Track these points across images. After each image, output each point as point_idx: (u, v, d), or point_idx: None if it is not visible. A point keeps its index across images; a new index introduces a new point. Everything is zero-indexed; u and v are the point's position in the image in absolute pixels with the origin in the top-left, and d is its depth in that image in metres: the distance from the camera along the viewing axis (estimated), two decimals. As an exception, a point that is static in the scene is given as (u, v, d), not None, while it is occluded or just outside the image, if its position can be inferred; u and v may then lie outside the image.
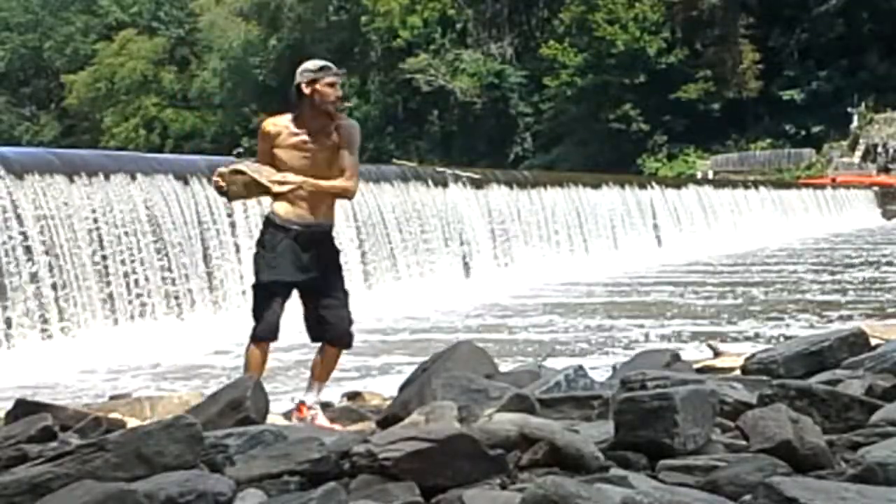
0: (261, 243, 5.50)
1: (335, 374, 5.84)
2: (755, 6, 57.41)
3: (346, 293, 5.59)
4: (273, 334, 5.45)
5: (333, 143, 5.41)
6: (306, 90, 5.35)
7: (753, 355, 5.47)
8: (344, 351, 5.65)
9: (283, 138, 5.39)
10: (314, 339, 5.59)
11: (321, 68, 5.40)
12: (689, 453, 3.41)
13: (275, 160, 5.41)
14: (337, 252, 5.66)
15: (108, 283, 11.50)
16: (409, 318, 13.32)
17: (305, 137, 5.38)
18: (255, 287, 5.48)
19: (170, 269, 12.25)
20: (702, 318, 12.98)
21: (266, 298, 5.41)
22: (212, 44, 77.59)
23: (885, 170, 51.38)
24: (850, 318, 12.30)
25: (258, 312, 5.43)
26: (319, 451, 3.34)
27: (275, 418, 5.30)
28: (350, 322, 5.55)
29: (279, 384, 8.32)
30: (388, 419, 4.56)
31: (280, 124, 5.44)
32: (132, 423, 4.85)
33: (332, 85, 5.37)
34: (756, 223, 32.04)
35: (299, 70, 5.45)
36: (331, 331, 5.51)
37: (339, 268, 5.61)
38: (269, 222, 5.47)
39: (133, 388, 8.32)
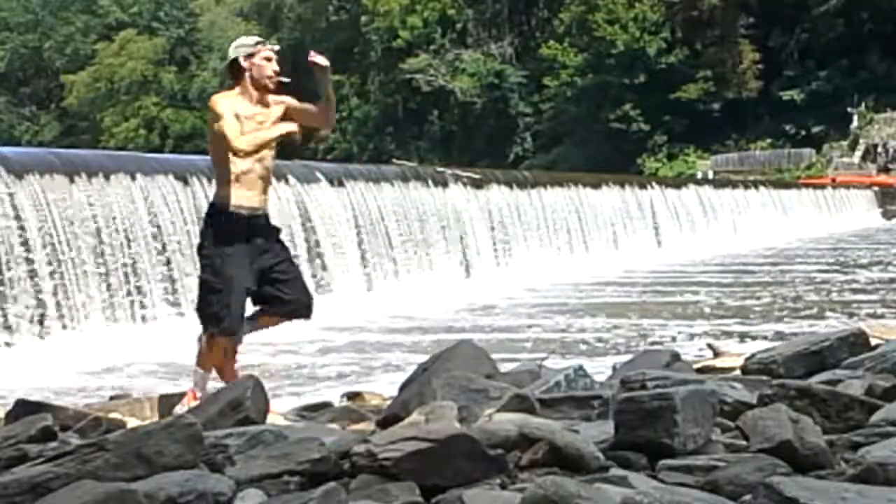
0: (211, 236, 5.41)
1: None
2: (755, 6, 57.43)
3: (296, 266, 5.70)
4: (241, 328, 5.42)
5: (278, 115, 5.47)
6: (245, 64, 5.43)
7: (753, 355, 5.46)
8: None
9: (239, 112, 5.37)
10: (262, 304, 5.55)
11: (257, 43, 5.51)
12: (689, 453, 3.41)
13: None
14: (278, 230, 5.68)
15: (108, 283, 11.50)
16: (409, 317, 13.31)
17: (253, 110, 5.41)
18: (217, 280, 5.35)
19: (170, 269, 12.25)
20: (717, 319, 12.96)
21: (232, 291, 5.32)
22: (212, 44, 77.52)
23: (885, 170, 51.37)
24: (882, 316, 12.35)
25: (223, 305, 5.32)
26: (319, 451, 3.34)
27: (275, 418, 5.30)
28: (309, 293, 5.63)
29: (279, 384, 8.32)
30: (388, 419, 4.55)
31: (231, 98, 5.44)
32: (132, 423, 4.85)
33: (268, 59, 5.44)
34: (756, 223, 32.04)
35: (234, 45, 5.53)
36: (293, 301, 5.52)
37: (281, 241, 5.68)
38: (217, 210, 5.42)
39: (133, 389, 8.32)
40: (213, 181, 5.66)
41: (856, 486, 2.94)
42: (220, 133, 5.30)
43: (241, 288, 5.34)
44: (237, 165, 5.35)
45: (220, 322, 5.35)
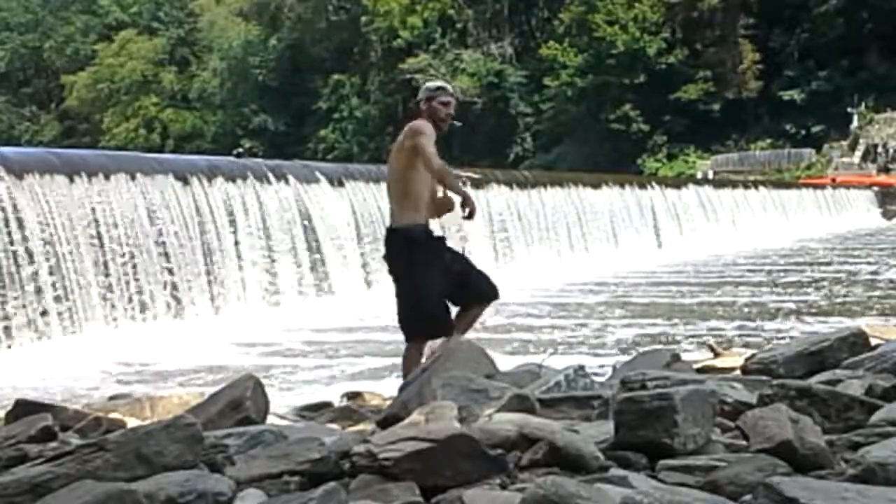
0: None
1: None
2: (755, 6, 57.44)
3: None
4: None
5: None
6: (423, 107, 6.05)
7: (753, 355, 5.47)
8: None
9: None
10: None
11: (438, 88, 6.14)
12: (689, 453, 3.41)
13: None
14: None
15: (108, 283, 11.50)
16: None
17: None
18: None
19: (170, 269, 12.24)
20: (717, 318, 12.96)
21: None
22: (212, 44, 77.56)
23: (885, 170, 51.36)
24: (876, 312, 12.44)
25: None
26: (319, 451, 3.34)
27: (274, 419, 5.30)
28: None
29: (278, 385, 8.33)
30: (388, 419, 4.55)
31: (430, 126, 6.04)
32: (132, 423, 4.84)
33: (444, 104, 6.04)
34: (756, 223, 32.04)
35: (422, 87, 6.24)
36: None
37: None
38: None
39: (133, 389, 8.32)
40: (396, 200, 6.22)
41: (856, 486, 2.94)
42: (421, 149, 5.79)
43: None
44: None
45: None
